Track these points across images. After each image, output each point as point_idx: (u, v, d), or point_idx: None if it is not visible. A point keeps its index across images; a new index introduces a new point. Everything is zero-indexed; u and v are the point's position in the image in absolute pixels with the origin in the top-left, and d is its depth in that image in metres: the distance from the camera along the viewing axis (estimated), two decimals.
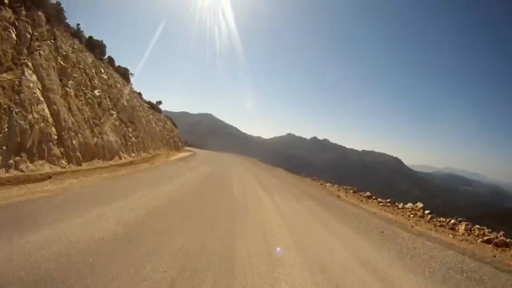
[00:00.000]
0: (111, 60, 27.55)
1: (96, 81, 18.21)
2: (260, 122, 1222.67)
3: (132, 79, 30.44)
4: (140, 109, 26.99)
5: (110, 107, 19.10)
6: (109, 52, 27.51)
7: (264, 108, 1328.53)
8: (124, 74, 29.23)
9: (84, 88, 15.91)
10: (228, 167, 23.66)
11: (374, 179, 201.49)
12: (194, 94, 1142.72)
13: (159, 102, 43.02)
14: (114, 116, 19.02)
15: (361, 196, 15.40)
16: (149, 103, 37.19)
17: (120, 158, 17.43)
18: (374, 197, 14.74)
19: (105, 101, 18.29)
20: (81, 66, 16.54)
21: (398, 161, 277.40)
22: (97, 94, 17.47)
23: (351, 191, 17.12)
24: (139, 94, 33.09)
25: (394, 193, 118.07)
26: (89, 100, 15.93)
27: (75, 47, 17.13)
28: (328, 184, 19.99)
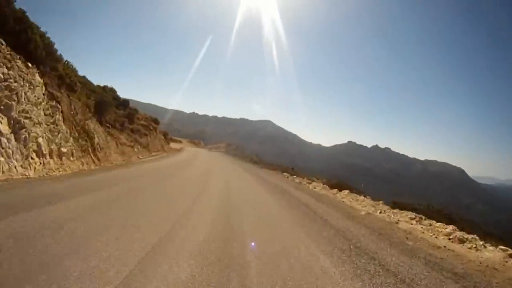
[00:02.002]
0: None
1: None
2: (320, 129, 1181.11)
3: None
4: None
5: None
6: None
7: (325, 115, 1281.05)
8: None
9: None
10: None
11: (438, 191, 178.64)
12: (254, 101, 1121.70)
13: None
14: None
15: None
16: None
17: None
18: None
19: None
20: None
21: (461, 172, 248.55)
22: None
23: None
24: None
25: (458, 207, 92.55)
26: None
27: None
28: None
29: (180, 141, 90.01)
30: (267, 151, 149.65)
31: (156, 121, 32.41)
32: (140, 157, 18.52)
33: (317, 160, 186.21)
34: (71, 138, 12.96)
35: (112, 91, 31.15)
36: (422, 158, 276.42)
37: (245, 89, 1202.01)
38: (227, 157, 41.87)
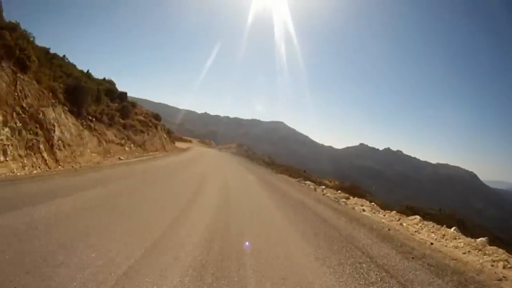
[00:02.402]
0: None
1: None
2: (333, 132, 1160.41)
3: None
4: None
5: None
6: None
7: (337, 117, 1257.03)
8: None
9: None
10: None
11: (448, 195, 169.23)
12: (266, 102, 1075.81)
13: None
14: None
15: None
16: None
17: None
18: None
19: None
20: None
21: (473, 176, 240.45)
22: None
23: None
24: None
25: (469, 211, 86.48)
26: None
27: None
28: None
29: (190, 141, 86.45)
30: (278, 152, 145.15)
31: (157, 117, 28.08)
32: (121, 158, 14.10)
33: (328, 162, 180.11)
34: (7, 129, 8.65)
35: (110, 83, 27.25)
36: (433, 162, 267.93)
37: (257, 90, 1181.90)
38: (237, 158, 37.39)
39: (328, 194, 11.60)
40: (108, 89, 24.45)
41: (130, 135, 19.92)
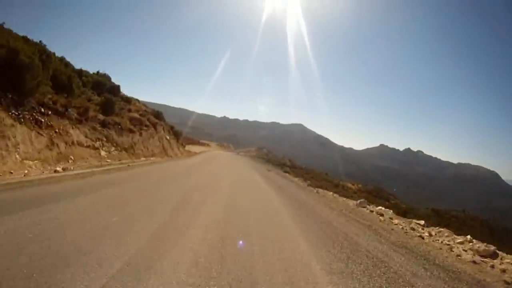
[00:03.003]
0: None
1: None
2: (353, 133, 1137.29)
3: None
4: None
5: None
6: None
7: (357, 119, 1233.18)
8: None
9: None
10: None
11: (471, 195, 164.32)
12: (285, 104, 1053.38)
13: None
14: None
15: None
16: None
17: None
18: None
19: None
20: None
21: (495, 175, 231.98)
22: None
23: None
24: None
25: (491, 212, 77.63)
26: None
27: None
28: None
29: (208, 145, 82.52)
30: (298, 154, 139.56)
31: (158, 115, 22.91)
32: (59, 169, 8.67)
33: (349, 164, 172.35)
34: None
35: (103, 76, 22.76)
36: (455, 162, 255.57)
37: (276, 93, 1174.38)
38: (255, 164, 31.66)
39: (445, 245, 5.42)
40: (96, 81, 19.69)
41: (111, 136, 14.78)
